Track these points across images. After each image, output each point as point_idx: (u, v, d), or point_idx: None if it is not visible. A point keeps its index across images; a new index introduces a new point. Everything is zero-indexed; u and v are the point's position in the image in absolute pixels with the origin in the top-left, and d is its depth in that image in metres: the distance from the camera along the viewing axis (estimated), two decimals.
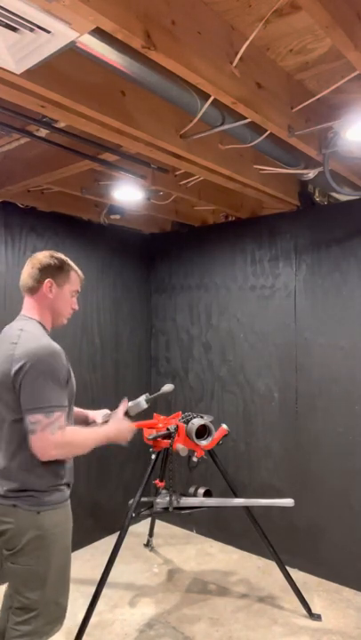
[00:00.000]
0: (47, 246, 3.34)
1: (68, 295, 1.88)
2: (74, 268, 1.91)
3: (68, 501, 1.80)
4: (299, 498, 2.88)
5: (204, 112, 1.84)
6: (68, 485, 1.80)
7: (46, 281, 1.82)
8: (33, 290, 1.83)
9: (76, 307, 1.95)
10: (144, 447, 2.85)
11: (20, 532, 1.67)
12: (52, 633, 1.75)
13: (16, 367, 1.64)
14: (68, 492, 1.80)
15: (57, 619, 1.76)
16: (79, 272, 1.94)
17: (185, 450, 2.66)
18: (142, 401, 2.15)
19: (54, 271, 1.84)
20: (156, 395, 2.36)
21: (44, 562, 1.69)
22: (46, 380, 1.64)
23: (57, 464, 1.74)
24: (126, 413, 2.05)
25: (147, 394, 2.21)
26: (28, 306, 1.86)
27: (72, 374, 1.80)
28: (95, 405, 2.26)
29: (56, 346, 1.73)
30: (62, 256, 1.90)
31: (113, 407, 2.06)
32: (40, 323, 1.83)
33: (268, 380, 3.36)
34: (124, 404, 2.01)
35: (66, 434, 1.67)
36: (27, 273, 1.86)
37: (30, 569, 1.68)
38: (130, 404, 2.11)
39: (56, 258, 1.86)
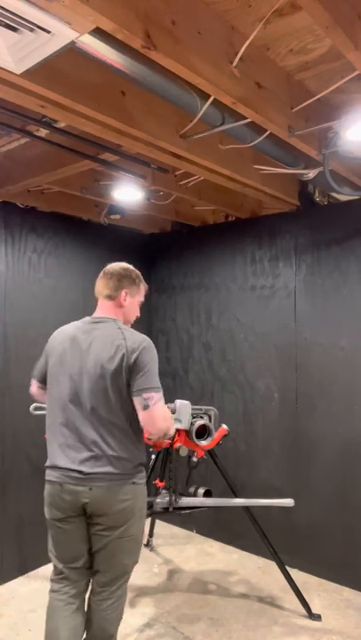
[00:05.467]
0: (47, 246, 3.34)
1: (136, 305, 2.16)
2: (143, 281, 2.16)
3: None
4: (299, 498, 2.87)
5: (204, 112, 1.84)
6: None
7: (123, 291, 2.07)
8: (111, 297, 2.08)
9: (139, 314, 2.20)
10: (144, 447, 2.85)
11: (135, 506, 1.95)
12: None
13: (133, 357, 1.91)
14: None
15: (132, 573, 2.07)
16: (145, 284, 2.18)
17: (185, 450, 2.66)
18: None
19: (129, 283, 2.10)
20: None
21: (140, 530, 2.02)
22: (153, 364, 1.95)
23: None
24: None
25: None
26: (106, 308, 2.09)
27: None
28: None
29: None
30: (134, 269, 2.15)
31: None
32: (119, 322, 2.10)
33: (268, 380, 3.36)
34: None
35: (166, 409, 1.97)
36: (103, 283, 2.09)
37: (133, 537, 1.97)
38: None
39: (131, 270, 2.12)
